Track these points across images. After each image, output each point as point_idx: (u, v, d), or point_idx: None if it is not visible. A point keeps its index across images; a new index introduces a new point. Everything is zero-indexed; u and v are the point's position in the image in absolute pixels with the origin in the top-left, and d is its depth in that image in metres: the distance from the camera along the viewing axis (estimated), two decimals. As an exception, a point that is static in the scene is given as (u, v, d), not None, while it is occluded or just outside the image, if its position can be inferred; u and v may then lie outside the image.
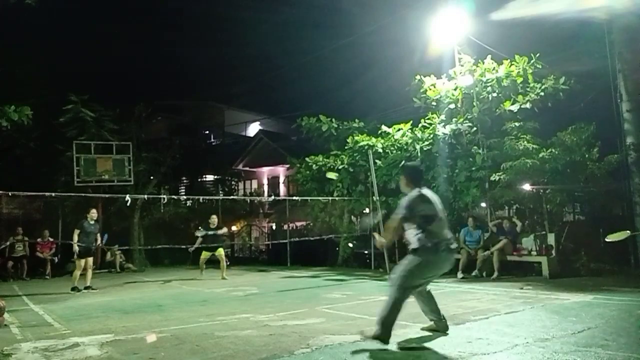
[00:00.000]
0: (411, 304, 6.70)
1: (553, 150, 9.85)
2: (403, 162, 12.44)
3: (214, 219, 11.80)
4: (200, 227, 11.93)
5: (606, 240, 7.16)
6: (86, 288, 9.59)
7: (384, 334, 4.21)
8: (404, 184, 4.75)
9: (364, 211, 14.19)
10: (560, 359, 3.69)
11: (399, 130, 12.96)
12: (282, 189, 26.68)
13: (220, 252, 11.61)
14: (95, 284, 10.15)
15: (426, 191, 4.63)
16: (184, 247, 12.91)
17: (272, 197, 23.87)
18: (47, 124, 14.82)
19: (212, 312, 6.38)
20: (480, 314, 5.66)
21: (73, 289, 9.45)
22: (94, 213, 10.15)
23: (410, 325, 5.10)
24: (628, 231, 7.09)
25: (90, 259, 9.89)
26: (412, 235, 4.45)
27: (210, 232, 11.56)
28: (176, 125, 22.71)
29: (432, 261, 4.40)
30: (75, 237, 9.69)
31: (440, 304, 6.18)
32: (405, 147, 12.58)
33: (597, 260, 9.73)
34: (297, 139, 22.83)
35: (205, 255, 11.59)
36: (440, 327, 4.72)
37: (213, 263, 12.04)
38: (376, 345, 4.21)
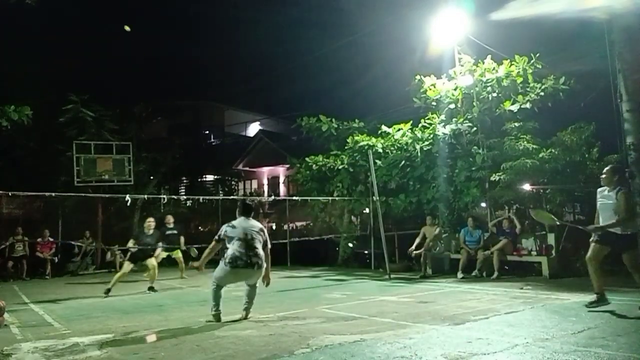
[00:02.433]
0: (411, 304, 6.73)
1: (553, 150, 9.85)
2: (403, 162, 12.47)
3: (151, 222, 10.62)
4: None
5: (533, 216, 7.08)
6: (150, 289, 9.45)
7: None
8: None
9: (364, 211, 14.20)
10: (560, 359, 3.69)
11: (399, 130, 12.95)
12: (282, 189, 26.69)
13: (177, 253, 11.52)
14: (96, 284, 10.16)
15: None
16: (184, 247, 12.92)
17: (272, 197, 23.89)
18: (47, 124, 14.83)
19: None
20: (480, 314, 5.66)
21: (149, 289, 9.36)
22: (151, 222, 9.89)
23: (410, 325, 5.10)
24: (556, 220, 6.99)
25: (152, 260, 9.56)
26: None
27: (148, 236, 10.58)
28: (176, 125, 22.75)
29: None
30: (130, 244, 9.58)
31: (440, 304, 6.19)
32: (405, 147, 12.58)
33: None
34: (297, 139, 22.84)
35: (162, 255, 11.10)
36: None
37: (211, 263, 11.99)
38: (376, 344, 4.21)
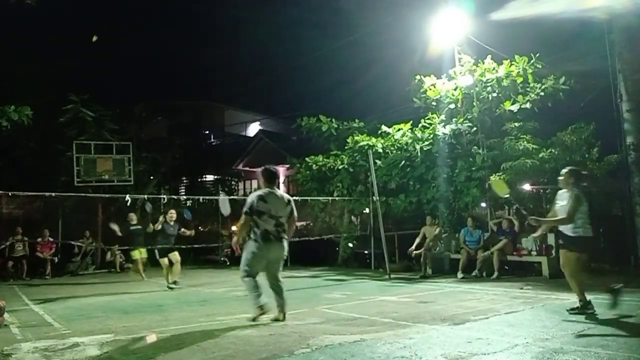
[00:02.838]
0: (411, 304, 6.73)
1: (553, 150, 9.85)
2: (403, 162, 12.47)
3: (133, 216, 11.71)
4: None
5: (490, 182, 7.08)
6: (174, 283, 9.66)
7: None
8: None
9: (364, 211, 14.20)
10: (560, 359, 3.69)
11: (399, 130, 12.96)
12: (282, 189, 26.67)
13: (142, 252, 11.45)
14: (96, 284, 10.17)
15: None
16: (183, 247, 12.92)
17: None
18: (47, 124, 14.83)
19: (212, 312, 6.38)
20: (480, 314, 5.66)
21: (169, 286, 9.52)
22: (172, 214, 10.11)
23: (410, 325, 5.10)
24: (508, 193, 7.13)
25: (176, 253, 9.87)
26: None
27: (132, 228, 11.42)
28: (176, 125, 22.74)
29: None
30: (151, 227, 10.15)
31: (440, 304, 6.19)
32: (405, 147, 12.58)
33: (597, 260, 9.71)
34: (297, 139, 22.82)
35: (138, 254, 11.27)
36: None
37: (212, 263, 12.04)
38: (376, 344, 4.21)
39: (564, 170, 5.90)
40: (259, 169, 6.02)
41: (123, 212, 15.74)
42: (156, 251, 9.97)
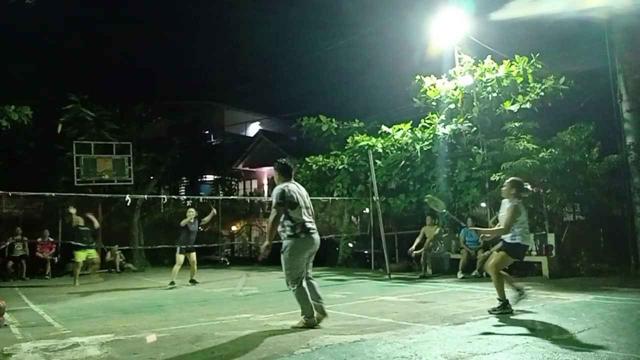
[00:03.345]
0: (411, 304, 6.73)
1: (553, 150, 9.85)
2: (403, 162, 12.47)
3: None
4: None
5: (425, 199, 7.26)
6: (191, 281, 10.15)
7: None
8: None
9: (364, 211, 14.20)
10: (560, 359, 3.69)
11: (399, 130, 12.96)
12: (282, 189, 26.63)
13: (92, 253, 11.29)
14: (96, 284, 10.17)
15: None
16: (183, 247, 12.92)
17: (272, 197, 23.84)
18: (47, 124, 14.82)
19: (212, 312, 6.38)
20: (480, 314, 5.66)
21: (171, 283, 9.77)
22: (192, 212, 10.50)
23: (410, 325, 5.10)
24: (444, 209, 7.29)
25: (193, 254, 10.42)
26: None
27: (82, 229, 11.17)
28: (176, 125, 22.70)
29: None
30: (183, 222, 10.41)
31: (440, 304, 6.19)
32: (405, 147, 12.59)
33: (597, 260, 9.71)
34: (297, 139, 22.82)
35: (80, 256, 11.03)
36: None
37: (212, 263, 12.04)
38: (376, 344, 4.21)
39: (506, 181, 6.14)
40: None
41: (123, 212, 15.79)
42: (178, 247, 10.38)
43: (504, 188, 6.06)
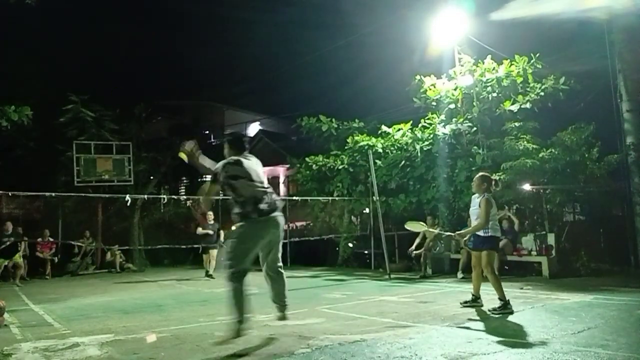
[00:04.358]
0: (411, 304, 6.72)
1: (553, 150, 9.85)
2: (403, 162, 12.46)
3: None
4: None
5: (405, 226, 7.50)
6: (209, 275, 11.24)
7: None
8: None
9: (364, 211, 14.20)
10: (560, 359, 3.69)
11: (399, 130, 12.96)
12: (282, 189, 26.68)
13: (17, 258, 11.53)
14: (96, 284, 10.17)
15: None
16: (184, 247, 12.94)
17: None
18: (47, 124, 14.82)
19: (212, 312, 6.38)
20: (480, 314, 5.66)
21: (208, 275, 11.23)
22: (210, 214, 11.74)
23: (410, 325, 5.10)
24: (425, 225, 7.57)
25: (214, 251, 11.59)
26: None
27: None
28: (176, 125, 22.68)
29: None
30: (200, 230, 11.76)
31: (440, 304, 6.19)
32: (405, 147, 12.59)
33: (597, 260, 9.72)
34: (297, 139, 22.83)
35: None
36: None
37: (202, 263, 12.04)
38: (376, 344, 4.21)
39: (476, 176, 6.30)
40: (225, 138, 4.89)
41: (123, 212, 15.78)
42: (201, 247, 11.79)
43: (474, 184, 6.27)
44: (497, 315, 5.54)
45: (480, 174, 6.30)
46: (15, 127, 10.41)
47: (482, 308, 5.98)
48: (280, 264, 4.73)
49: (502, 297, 5.71)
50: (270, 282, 4.74)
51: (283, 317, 4.83)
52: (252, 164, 4.49)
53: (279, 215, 4.46)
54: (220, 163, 4.44)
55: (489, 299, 6.91)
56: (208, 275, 11.33)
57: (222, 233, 12.09)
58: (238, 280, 4.32)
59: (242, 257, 4.35)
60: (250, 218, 4.29)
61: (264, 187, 4.40)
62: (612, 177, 10.05)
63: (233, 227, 4.70)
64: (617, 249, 9.97)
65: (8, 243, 11.41)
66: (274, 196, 4.48)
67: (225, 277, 4.35)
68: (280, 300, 4.77)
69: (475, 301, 6.11)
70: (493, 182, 6.24)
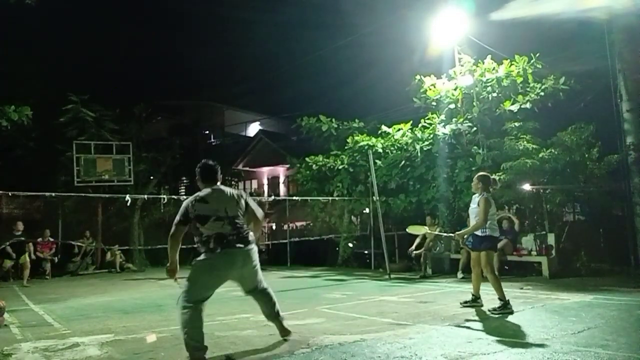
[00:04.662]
0: (411, 304, 6.72)
1: (553, 150, 9.85)
2: (403, 162, 12.46)
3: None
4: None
5: (407, 230, 7.65)
6: None
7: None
8: None
9: (364, 211, 14.20)
10: (560, 359, 3.69)
11: (399, 130, 12.96)
12: (282, 189, 26.70)
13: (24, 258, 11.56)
14: (96, 284, 10.17)
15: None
16: (184, 246, 12.93)
17: (272, 197, 23.89)
18: (47, 124, 14.82)
19: (212, 312, 6.35)
20: (480, 314, 5.66)
21: None
22: None
23: (410, 325, 5.10)
24: (426, 228, 7.90)
25: None
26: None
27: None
28: (176, 125, 22.68)
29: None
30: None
31: (440, 304, 6.19)
32: (405, 147, 12.59)
33: (597, 260, 9.73)
34: (297, 139, 22.83)
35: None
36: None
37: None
38: (376, 344, 4.21)
39: (475, 177, 6.37)
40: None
41: (123, 212, 15.78)
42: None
43: (473, 184, 6.34)
44: (497, 315, 5.54)
45: (480, 173, 6.34)
46: (15, 127, 10.41)
47: (482, 308, 5.98)
48: (261, 284, 4.48)
49: (502, 297, 5.72)
50: (257, 302, 4.53)
51: (285, 332, 4.54)
52: (222, 196, 4.27)
53: (248, 249, 4.21)
54: (187, 201, 4.26)
55: (489, 299, 6.91)
56: None
57: None
58: (195, 307, 4.06)
59: (201, 290, 4.16)
60: (212, 252, 4.10)
61: (235, 222, 4.19)
62: (612, 177, 10.04)
63: None
64: (617, 249, 9.96)
65: (16, 242, 11.34)
66: (245, 229, 4.27)
67: (179, 306, 4.09)
68: (273, 318, 4.54)
69: (475, 301, 6.13)
70: (492, 182, 6.26)
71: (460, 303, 6.18)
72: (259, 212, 4.49)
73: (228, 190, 4.38)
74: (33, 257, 12.32)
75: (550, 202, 9.96)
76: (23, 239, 11.69)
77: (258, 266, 4.37)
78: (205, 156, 4.88)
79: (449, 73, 12.02)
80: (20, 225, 11.80)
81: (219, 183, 4.43)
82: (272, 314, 4.52)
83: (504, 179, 10.04)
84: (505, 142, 10.57)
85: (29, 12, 10.42)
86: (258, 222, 4.50)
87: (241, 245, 4.15)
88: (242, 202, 4.35)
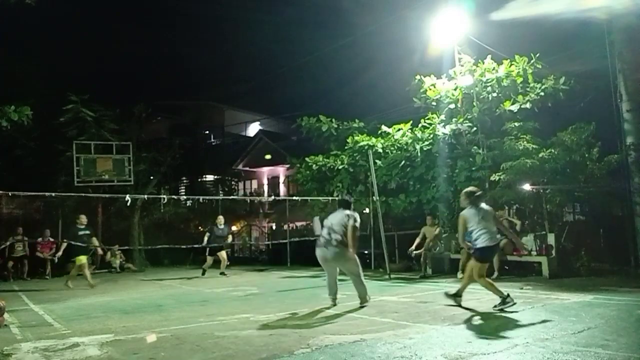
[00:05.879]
0: (411, 304, 6.73)
1: (553, 150, 9.85)
2: (403, 162, 12.45)
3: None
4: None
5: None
6: (221, 274, 11.91)
7: None
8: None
9: (364, 211, 14.19)
10: (560, 359, 3.69)
11: (399, 130, 12.96)
12: (282, 189, 26.68)
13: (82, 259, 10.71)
14: (96, 284, 10.16)
15: None
16: (184, 247, 12.96)
17: (272, 197, 23.89)
18: (47, 124, 14.82)
19: (212, 312, 6.38)
20: (480, 314, 5.66)
21: (221, 274, 11.90)
22: (221, 219, 12.32)
23: (410, 325, 5.10)
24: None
25: (222, 252, 12.19)
26: None
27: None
28: (176, 125, 22.72)
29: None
30: (205, 239, 12.15)
31: (440, 304, 6.19)
32: (405, 147, 12.58)
33: (597, 260, 9.72)
34: (297, 139, 22.83)
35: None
36: None
37: (216, 263, 12.17)
38: (376, 344, 4.21)
39: (462, 192, 6.54)
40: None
41: (123, 212, 15.79)
42: (207, 249, 12.16)
43: (461, 199, 6.53)
44: (499, 311, 5.57)
45: (465, 190, 6.44)
46: (15, 127, 10.40)
47: (482, 308, 5.98)
48: (353, 275, 6.96)
49: (499, 295, 5.75)
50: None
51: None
52: (336, 215, 6.72)
53: (326, 245, 6.56)
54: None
55: (490, 298, 6.92)
56: (221, 273, 11.95)
57: (229, 237, 12.67)
58: None
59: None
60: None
61: (329, 230, 6.59)
62: (612, 177, 10.04)
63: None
64: (617, 249, 9.96)
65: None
66: (335, 235, 6.52)
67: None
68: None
69: (457, 295, 6.31)
70: (475, 198, 6.24)
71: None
72: (351, 225, 6.63)
73: (344, 211, 6.75)
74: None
75: (550, 202, 9.96)
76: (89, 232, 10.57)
77: (340, 259, 6.79)
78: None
79: (449, 73, 12.02)
80: (84, 219, 10.60)
81: (344, 208, 6.88)
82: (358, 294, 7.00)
83: (504, 179, 10.04)
84: (505, 142, 10.57)
85: (29, 12, 10.43)
86: (351, 230, 6.61)
87: (325, 243, 6.68)
88: (348, 219, 6.58)
